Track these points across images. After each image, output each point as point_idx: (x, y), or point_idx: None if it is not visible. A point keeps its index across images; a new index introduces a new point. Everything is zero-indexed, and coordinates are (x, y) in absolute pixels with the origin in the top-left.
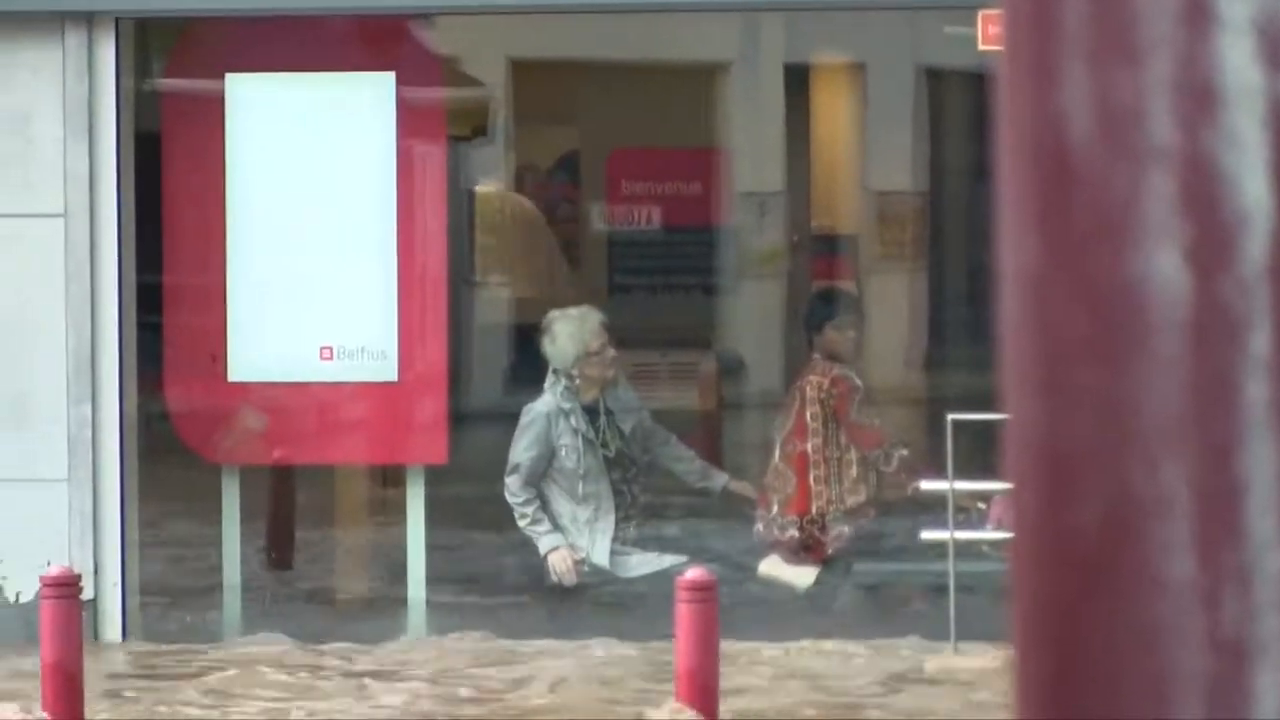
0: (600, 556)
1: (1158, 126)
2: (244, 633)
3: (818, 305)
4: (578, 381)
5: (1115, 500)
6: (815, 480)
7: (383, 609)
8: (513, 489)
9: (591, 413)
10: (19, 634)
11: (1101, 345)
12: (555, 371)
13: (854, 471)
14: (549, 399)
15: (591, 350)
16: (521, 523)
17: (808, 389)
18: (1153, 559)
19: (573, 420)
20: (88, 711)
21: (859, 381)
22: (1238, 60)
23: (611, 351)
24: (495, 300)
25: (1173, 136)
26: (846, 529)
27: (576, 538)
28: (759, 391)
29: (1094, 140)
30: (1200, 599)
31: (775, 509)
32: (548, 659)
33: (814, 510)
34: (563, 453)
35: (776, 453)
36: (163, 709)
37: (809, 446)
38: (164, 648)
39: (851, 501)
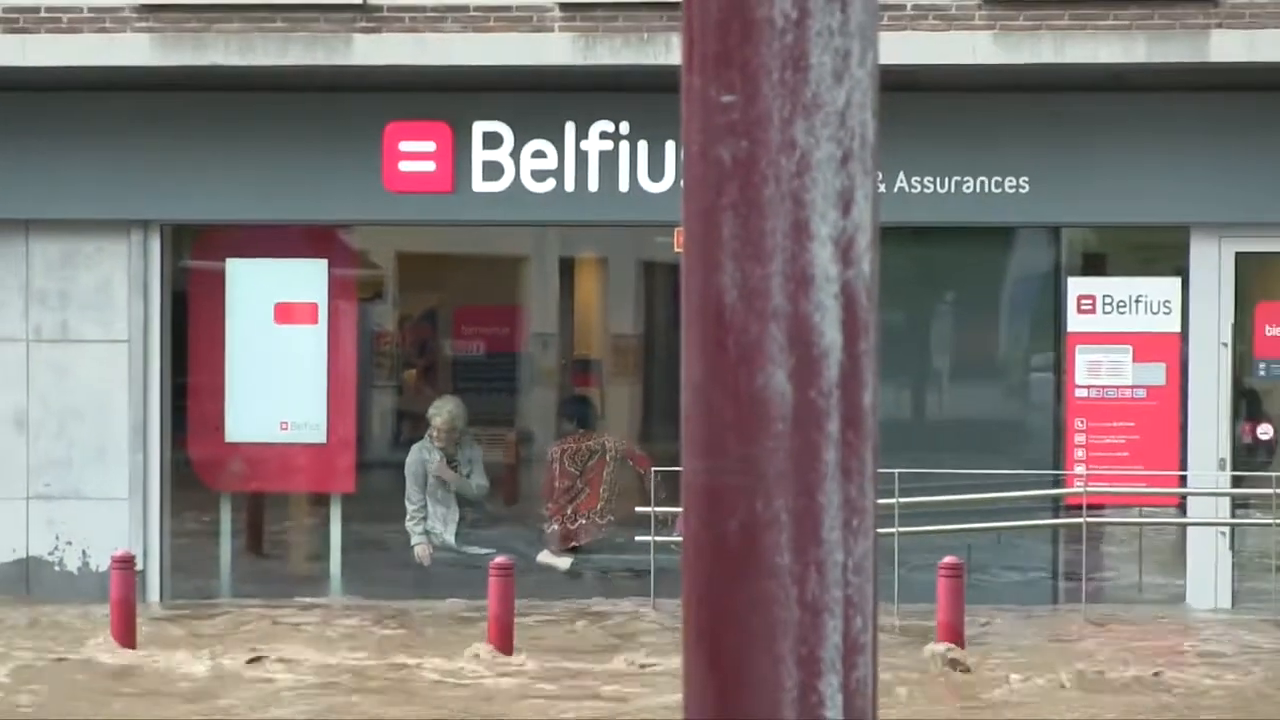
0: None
1: (776, 298)
2: (232, 595)
3: (571, 403)
4: (440, 437)
5: (746, 519)
6: (564, 501)
7: (315, 579)
8: (410, 497)
9: (448, 454)
10: (97, 592)
11: (740, 427)
12: (430, 432)
13: (587, 499)
14: (426, 444)
15: (456, 422)
16: (409, 523)
17: (560, 449)
18: (767, 554)
19: (436, 458)
20: (138, 637)
21: (593, 442)
22: (823, 260)
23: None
24: (385, 393)
25: (785, 304)
26: (584, 524)
27: (437, 527)
28: (539, 450)
29: (738, 305)
30: (794, 579)
31: (548, 515)
32: (422, 609)
33: (565, 516)
34: (428, 479)
35: (546, 484)
36: (182, 634)
37: (561, 483)
38: (182, 601)
39: (587, 514)
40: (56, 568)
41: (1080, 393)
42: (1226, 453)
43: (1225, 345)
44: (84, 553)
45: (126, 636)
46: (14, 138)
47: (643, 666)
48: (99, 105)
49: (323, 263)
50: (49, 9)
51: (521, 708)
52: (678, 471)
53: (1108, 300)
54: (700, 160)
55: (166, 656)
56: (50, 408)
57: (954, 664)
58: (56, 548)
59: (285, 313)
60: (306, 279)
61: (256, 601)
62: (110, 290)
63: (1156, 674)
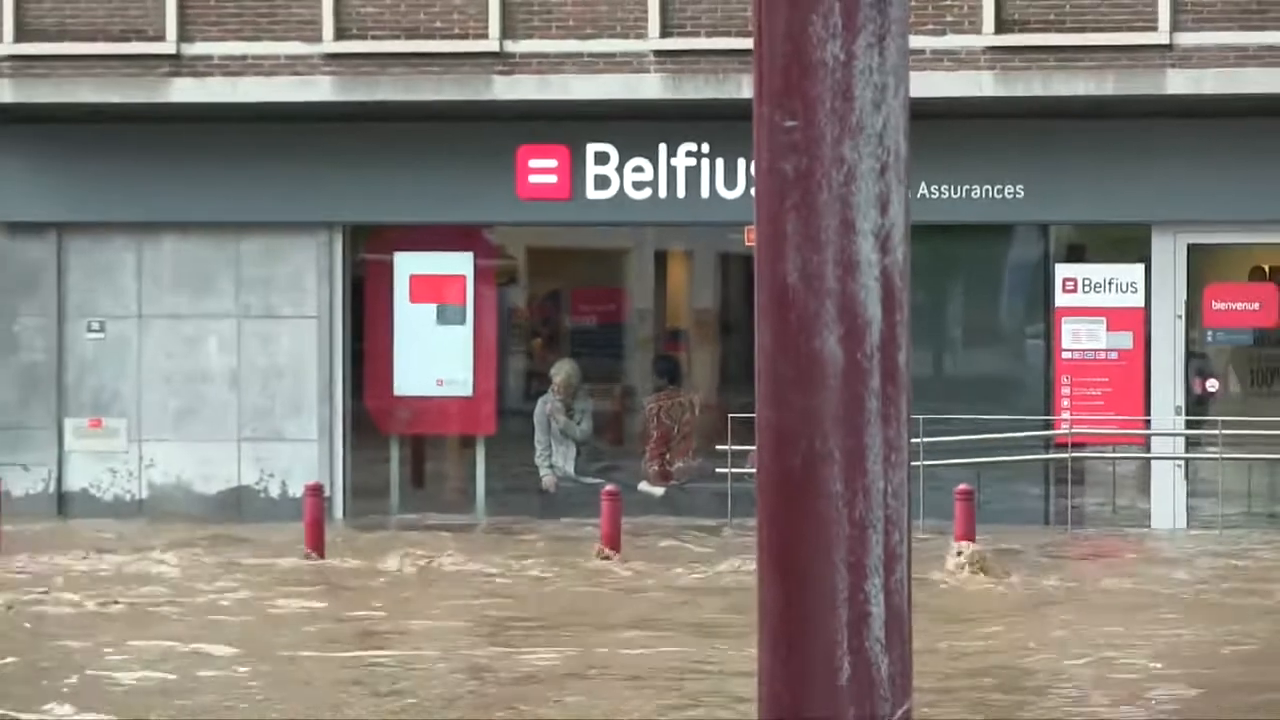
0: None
1: (829, 280)
2: (399, 513)
3: (663, 363)
4: (560, 391)
5: (807, 455)
6: (662, 447)
7: (463, 503)
8: (538, 438)
9: (565, 405)
10: (295, 515)
11: (801, 383)
12: (552, 387)
13: (680, 446)
14: (549, 397)
15: (572, 379)
16: (537, 459)
17: (657, 405)
18: (824, 483)
19: (558, 407)
20: (327, 551)
21: (683, 399)
22: (866, 250)
23: (577, 380)
24: (518, 357)
25: (836, 285)
26: (681, 466)
27: (559, 462)
28: (638, 402)
29: (799, 286)
30: (845, 503)
31: (646, 456)
32: (538, 531)
33: (662, 459)
34: (551, 423)
35: (644, 430)
36: (361, 547)
37: (659, 431)
38: (361, 520)
39: (681, 458)
40: (261, 495)
41: (1066, 355)
42: (1181, 401)
43: (1179, 318)
44: (283, 483)
45: (318, 547)
46: (225, 158)
47: (729, 571)
48: (293, 133)
49: (469, 255)
50: (254, 57)
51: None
52: (748, 417)
53: (1087, 282)
54: (768, 173)
55: (350, 561)
56: (256, 369)
57: (971, 560)
58: (261, 479)
59: (439, 294)
60: (456, 267)
61: (417, 520)
62: (302, 277)
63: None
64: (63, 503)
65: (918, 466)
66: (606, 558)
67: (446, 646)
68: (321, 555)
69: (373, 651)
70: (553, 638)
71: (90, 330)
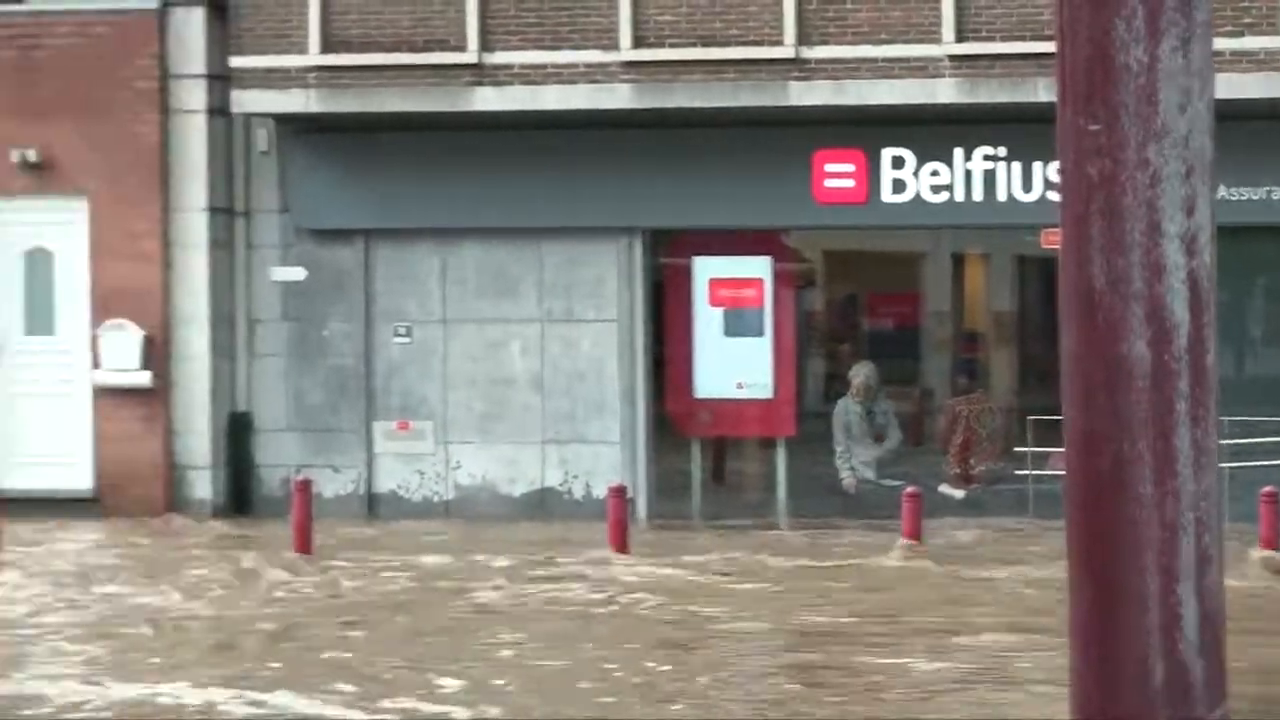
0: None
1: (1136, 284)
2: (701, 514)
3: (962, 365)
4: (859, 394)
5: (1116, 457)
6: (965, 452)
7: (764, 504)
8: (837, 440)
9: (865, 408)
10: (599, 514)
11: (1110, 385)
12: (850, 390)
13: (986, 451)
14: (847, 399)
15: (870, 382)
16: (837, 460)
17: (964, 409)
18: (1133, 485)
19: (856, 410)
20: (631, 546)
21: (989, 403)
22: (1173, 253)
23: (875, 382)
24: (816, 359)
25: (1143, 289)
26: (981, 470)
27: (859, 464)
28: (935, 404)
29: (1105, 290)
30: (1155, 505)
31: (948, 458)
32: (846, 532)
33: (966, 464)
34: (852, 425)
35: (945, 433)
36: (664, 545)
37: (963, 436)
38: (664, 521)
39: (985, 464)
40: (565, 496)
41: None
42: None
43: None
44: (587, 484)
45: (621, 546)
46: (526, 165)
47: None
48: (592, 140)
49: (767, 259)
50: (553, 65)
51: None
52: (1049, 419)
53: None
54: (1073, 176)
55: (651, 560)
56: (559, 372)
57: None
58: (565, 481)
59: (738, 298)
60: (755, 271)
61: (719, 521)
62: (603, 282)
63: None
64: (372, 504)
65: (1223, 469)
66: (916, 557)
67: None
68: (624, 552)
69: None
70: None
71: (397, 335)
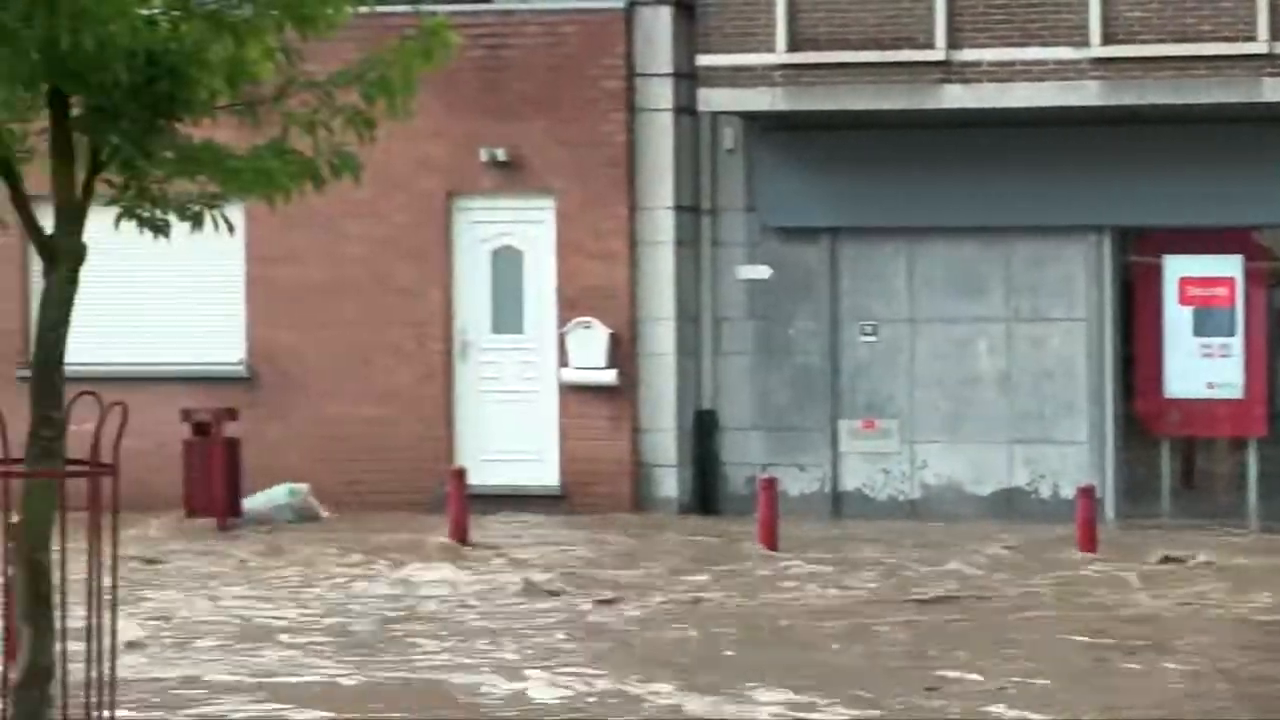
0: None
1: None
2: (1170, 517)
3: None
4: None
5: None
6: None
7: (1234, 506)
8: None
9: None
10: (1065, 516)
11: None
12: None
13: None
14: None
15: None
16: None
17: None
18: None
19: None
20: (1099, 545)
21: None
22: None
23: None
24: None
25: None
26: None
27: None
28: None
29: None
30: None
31: None
32: None
33: None
34: None
35: None
36: (1132, 545)
37: None
38: (1133, 522)
39: None
40: (1032, 496)
41: None
42: None
43: None
44: (1054, 485)
45: (1088, 544)
46: (993, 163)
47: None
48: (1060, 137)
49: (1238, 257)
50: (1022, 63)
51: None
52: None
53: None
54: None
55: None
56: (1026, 372)
57: None
58: (1032, 480)
59: (1208, 297)
60: (1225, 270)
61: (1188, 522)
62: (1071, 280)
63: None
64: (837, 503)
65: None
66: None
67: None
68: (1092, 550)
69: None
70: None
71: (863, 333)
